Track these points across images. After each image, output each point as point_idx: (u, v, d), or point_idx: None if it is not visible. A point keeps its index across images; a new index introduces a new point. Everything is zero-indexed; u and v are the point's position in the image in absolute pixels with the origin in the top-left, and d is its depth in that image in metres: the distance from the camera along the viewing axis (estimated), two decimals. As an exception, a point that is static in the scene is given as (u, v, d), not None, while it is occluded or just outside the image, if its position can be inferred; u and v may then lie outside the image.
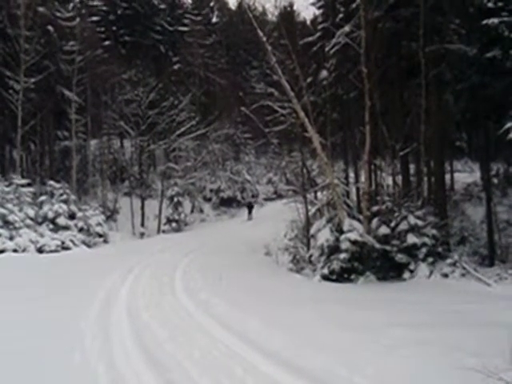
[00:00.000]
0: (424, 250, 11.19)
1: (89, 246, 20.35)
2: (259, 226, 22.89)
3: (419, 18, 12.75)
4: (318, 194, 17.03)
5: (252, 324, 6.93)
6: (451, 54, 13.19)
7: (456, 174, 25.42)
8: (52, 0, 27.09)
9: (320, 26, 17.53)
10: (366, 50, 11.92)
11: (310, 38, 17.46)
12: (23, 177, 21.44)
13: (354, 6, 14.06)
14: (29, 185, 20.49)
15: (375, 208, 12.40)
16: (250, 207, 29.36)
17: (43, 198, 20.59)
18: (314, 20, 25.08)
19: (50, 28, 24.83)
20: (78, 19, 27.48)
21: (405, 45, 14.14)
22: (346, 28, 13.57)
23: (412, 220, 11.44)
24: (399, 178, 14.79)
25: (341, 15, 15.67)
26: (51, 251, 18.15)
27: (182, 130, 29.45)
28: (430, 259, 11.13)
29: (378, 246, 11.30)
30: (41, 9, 24.37)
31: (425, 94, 13.00)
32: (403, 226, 11.51)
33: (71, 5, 31.48)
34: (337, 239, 11.57)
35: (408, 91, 15.13)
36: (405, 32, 13.90)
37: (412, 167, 15.87)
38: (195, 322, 7.42)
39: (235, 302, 8.68)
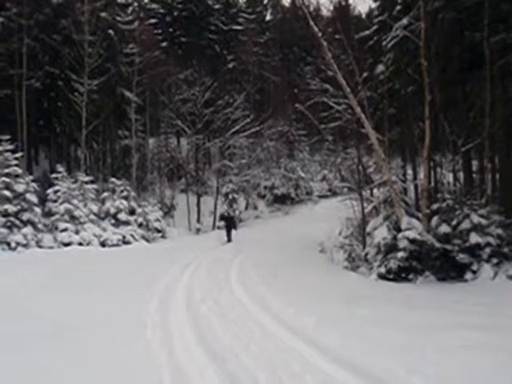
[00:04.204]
0: (488, 250, 10.66)
1: (148, 240, 21.13)
2: (312, 224, 22.76)
3: (483, 6, 12.14)
4: (374, 191, 16.69)
5: (307, 321, 6.93)
6: (519, 44, 12.44)
7: (523, 171, 24.00)
8: (113, 5, 28.24)
9: (376, 20, 17.13)
10: (426, 42, 11.52)
11: (366, 32, 17.10)
12: (87, 174, 22.51)
13: (412, -4, 13.62)
14: (92, 182, 21.52)
15: (435, 206, 11.96)
16: (230, 222, 21.14)
17: (105, 194, 21.60)
18: (370, 13, 24.55)
19: (111, 32, 25.92)
20: (136, 22, 28.52)
21: (467, 35, 13.51)
22: (405, 20, 13.18)
23: (475, 218, 10.94)
24: (461, 175, 14.19)
25: (398, 7, 15.22)
26: (113, 245, 19.05)
27: (237, 127, 29.82)
28: (495, 260, 10.59)
29: (438, 245, 10.91)
30: (103, 14, 25.47)
31: (489, 86, 12.36)
32: (465, 224, 11.02)
33: (130, 9, 32.73)
34: (394, 237, 11.29)
35: (471, 84, 14.46)
36: (467, 22, 13.27)
37: (475, 163, 15.18)
38: (251, 316, 7.51)
39: (290, 298, 8.71)
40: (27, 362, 5.36)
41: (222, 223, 21.35)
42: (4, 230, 16.45)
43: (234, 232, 20.88)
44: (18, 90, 22.27)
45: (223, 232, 21.37)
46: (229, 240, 20.55)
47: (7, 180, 17.39)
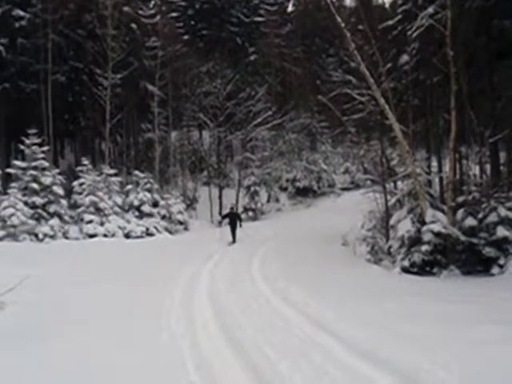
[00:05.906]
0: (516, 243, 10.43)
1: (171, 232, 21.38)
2: (335, 216, 22.60)
3: (513, -7, 11.77)
4: (398, 183, 16.44)
5: (330, 313, 6.92)
6: (550, 31, 12.04)
7: (553, 163, 23.32)
8: (135, -1, 28.53)
9: (400, 9, 16.78)
10: (453, 31, 11.23)
11: (390, 22, 16.76)
12: (111, 167, 22.86)
13: (438, -16, 13.29)
14: (116, 175, 21.87)
15: (461, 198, 11.72)
16: (233, 219, 18.12)
17: (129, 186, 21.93)
18: (394, 2, 24.03)
19: (134, 26, 26.17)
20: (158, 16, 28.70)
21: (496, 23, 13.13)
22: (430, 9, 12.86)
23: (502, 211, 10.67)
24: (487, 167, 13.86)
25: (424, -4, 14.90)
26: (137, 237, 19.35)
27: (259, 120, 29.78)
28: (523, 254, 10.35)
29: (463, 238, 10.70)
30: (125, 8, 25.74)
31: (518, 75, 12.03)
32: (492, 217, 10.77)
33: (152, 3, 32.94)
34: (418, 230, 11.12)
35: (499, 74, 14.06)
36: (496, 10, 12.89)
37: (502, 155, 14.80)
38: (273, 308, 7.55)
39: (312, 290, 8.69)
40: (65, 344, 5.55)
41: (227, 220, 18.25)
42: (32, 222, 16.90)
43: (238, 231, 18.00)
44: (44, 85, 22.72)
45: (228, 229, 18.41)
46: (233, 241, 17.57)
47: (35, 173, 17.84)
